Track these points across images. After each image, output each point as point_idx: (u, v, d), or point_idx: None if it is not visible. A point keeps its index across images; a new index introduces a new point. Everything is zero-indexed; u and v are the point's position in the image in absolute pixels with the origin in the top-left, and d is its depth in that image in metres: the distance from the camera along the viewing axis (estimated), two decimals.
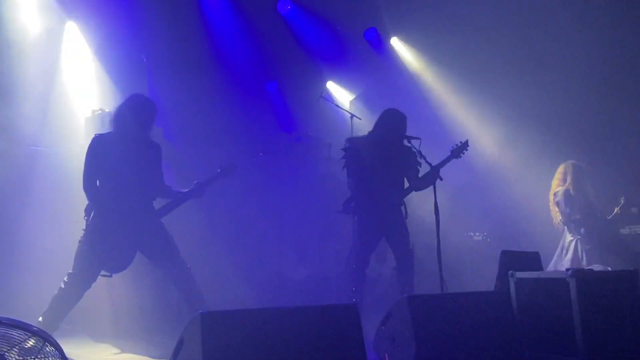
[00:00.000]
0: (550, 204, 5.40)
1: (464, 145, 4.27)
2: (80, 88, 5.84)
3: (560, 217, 5.31)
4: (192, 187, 3.76)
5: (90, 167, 3.53)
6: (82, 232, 3.50)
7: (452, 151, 4.26)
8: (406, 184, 4.40)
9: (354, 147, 4.32)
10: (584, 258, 5.09)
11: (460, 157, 4.28)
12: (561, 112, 6.27)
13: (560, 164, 5.45)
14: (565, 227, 5.31)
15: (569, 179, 5.33)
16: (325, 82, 8.47)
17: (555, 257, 5.31)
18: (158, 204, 3.79)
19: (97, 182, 3.55)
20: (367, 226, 4.22)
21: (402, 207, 4.31)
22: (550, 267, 5.18)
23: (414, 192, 4.42)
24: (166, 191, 3.79)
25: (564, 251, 5.26)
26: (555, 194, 5.35)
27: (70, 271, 3.42)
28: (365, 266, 4.22)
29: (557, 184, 5.39)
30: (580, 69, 6.09)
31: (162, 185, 3.76)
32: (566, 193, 5.27)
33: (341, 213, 4.38)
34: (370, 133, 4.37)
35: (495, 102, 6.61)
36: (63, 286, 3.39)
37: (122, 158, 3.52)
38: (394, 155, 4.26)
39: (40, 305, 3.41)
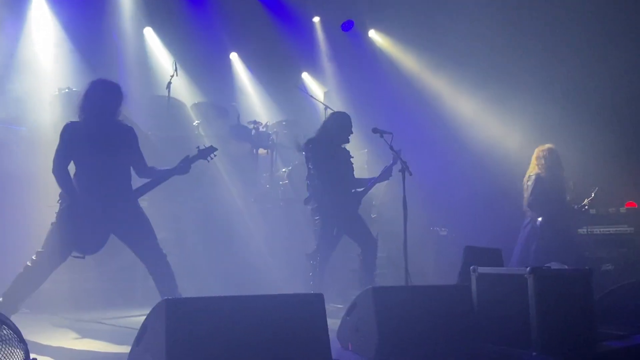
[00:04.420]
0: (524, 187, 5.37)
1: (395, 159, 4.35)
2: (47, 64, 5.66)
3: (525, 200, 5.30)
4: (177, 165, 3.74)
5: (61, 153, 3.45)
6: (55, 213, 3.44)
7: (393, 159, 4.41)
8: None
9: (317, 148, 4.44)
10: (533, 246, 5.07)
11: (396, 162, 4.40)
12: (540, 106, 6.36)
13: (537, 147, 5.40)
14: (527, 211, 5.32)
15: (543, 164, 5.28)
16: (301, 73, 8.46)
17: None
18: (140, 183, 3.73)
19: (74, 165, 3.49)
20: (330, 227, 4.34)
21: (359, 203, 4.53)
22: (514, 253, 5.26)
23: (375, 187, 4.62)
24: (150, 172, 3.73)
25: (519, 238, 5.32)
26: (528, 177, 5.33)
27: (39, 249, 3.36)
28: (325, 264, 4.36)
29: (532, 168, 5.36)
30: (564, 64, 6.19)
31: (144, 167, 3.70)
32: (537, 177, 5.24)
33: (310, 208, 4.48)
34: (322, 134, 4.52)
35: (468, 95, 6.73)
36: (30, 264, 3.33)
37: (94, 144, 3.45)
38: (342, 157, 4.55)
39: (1, 287, 3.33)
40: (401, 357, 2.66)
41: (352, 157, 4.67)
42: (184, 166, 3.75)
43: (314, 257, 4.33)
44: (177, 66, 5.60)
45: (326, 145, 4.45)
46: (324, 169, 4.38)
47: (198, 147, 3.90)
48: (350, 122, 4.56)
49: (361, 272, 4.42)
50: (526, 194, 5.32)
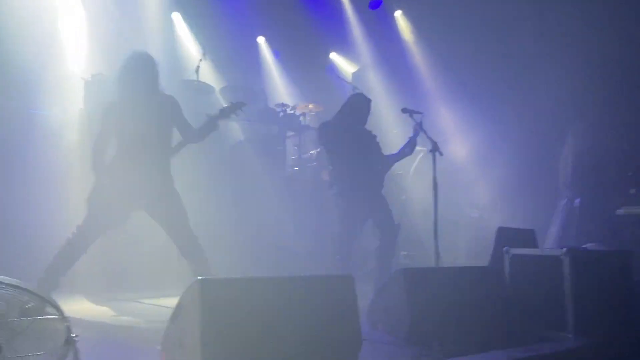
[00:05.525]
0: (562, 163, 5.15)
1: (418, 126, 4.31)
2: (79, 50, 5.77)
3: (561, 180, 5.10)
4: (205, 122, 3.61)
5: (98, 135, 3.50)
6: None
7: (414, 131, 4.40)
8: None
9: (332, 132, 4.38)
10: (573, 229, 4.93)
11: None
12: (578, 82, 6.10)
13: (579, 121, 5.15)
14: (564, 190, 5.13)
15: (584, 139, 5.05)
16: (329, 53, 8.38)
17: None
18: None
19: (116, 145, 3.52)
20: (351, 212, 4.30)
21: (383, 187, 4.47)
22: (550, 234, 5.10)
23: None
24: (200, 137, 3.64)
25: (555, 218, 5.14)
26: (568, 153, 5.10)
27: (79, 223, 3.45)
28: (351, 247, 4.32)
29: (572, 144, 5.13)
30: (602, 39, 5.87)
31: (191, 133, 3.62)
32: (578, 153, 5.03)
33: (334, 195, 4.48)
34: (339, 118, 4.45)
35: (490, 82, 6.53)
36: (70, 236, 3.43)
37: (131, 120, 3.44)
38: (364, 139, 4.44)
39: (35, 265, 3.44)
40: (432, 338, 2.65)
41: (376, 136, 4.56)
42: (212, 124, 3.59)
43: (339, 241, 4.33)
44: (205, 51, 5.63)
45: (343, 129, 4.35)
46: (341, 153, 4.32)
47: (221, 108, 3.69)
48: (367, 104, 4.47)
49: (378, 258, 4.33)
50: (564, 171, 5.12)
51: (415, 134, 4.39)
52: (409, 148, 4.48)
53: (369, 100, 4.52)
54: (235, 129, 6.09)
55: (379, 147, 4.56)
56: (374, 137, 4.55)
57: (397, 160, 4.59)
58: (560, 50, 6.01)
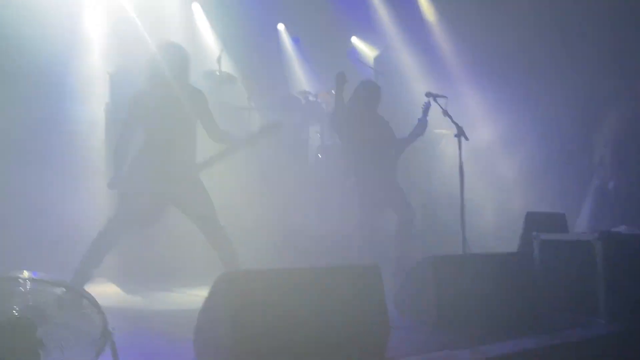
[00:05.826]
0: (596, 142, 5.02)
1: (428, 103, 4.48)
2: (101, 44, 5.83)
3: (596, 161, 4.97)
4: (246, 139, 3.62)
5: (123, 125, 3.51)
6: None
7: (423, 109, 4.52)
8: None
9: (343, 119, 4.40)
10: (607, 211, 4.80)
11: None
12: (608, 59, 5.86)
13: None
14: (599, 171, 4.99)
15: (623, 116, 4.90)
16: (349, 38, 8.28)
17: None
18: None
19: (143, 136, 3.50)
20: (368, 199, 4.35)
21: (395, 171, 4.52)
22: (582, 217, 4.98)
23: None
24: (224, 136, 3.62)
25: (586, 201, 5.00)
26: (602, 136, 4.96)
27: (109, 216, 3.50)
28: (371, 234, 4.35)
29: (610, 121, 4.95)
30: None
31: (215, 130, 3.59)
32: (616, 132, 4.88)
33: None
34: (349, 106, 4.47)
35: (518, 63, 6.34)
36: (101, 228, 3.48)
37: (157, 112, 3.43)
38: (376, 124, 4.47)
39: (69, 258, 3.54)
40: (461, 326, 2.64)
41: (388, 122, 4.59)
42: (251, 141, 3.63)
43: (360, 227, 4.37)
44: (225, 43, 5.66)
45: (353, 116, 4.38)
46: (352, 140, 4.36)
47: (262, 124, 3.77)
48: (376, 90, 4.51)
49: (396, 243, 4.35)
50: (602, 152, 4.96)
51: (425, 113, 4.43)
52: (420, 128, 4.50)
53: (377, 87, 4.57)
54: (257, 118, 6.11)
55: (392, 132, 4.57)
56: (386, 122, 4.57)
57: (410, 143, 4.60)
58: (595, 29, 5.76)
